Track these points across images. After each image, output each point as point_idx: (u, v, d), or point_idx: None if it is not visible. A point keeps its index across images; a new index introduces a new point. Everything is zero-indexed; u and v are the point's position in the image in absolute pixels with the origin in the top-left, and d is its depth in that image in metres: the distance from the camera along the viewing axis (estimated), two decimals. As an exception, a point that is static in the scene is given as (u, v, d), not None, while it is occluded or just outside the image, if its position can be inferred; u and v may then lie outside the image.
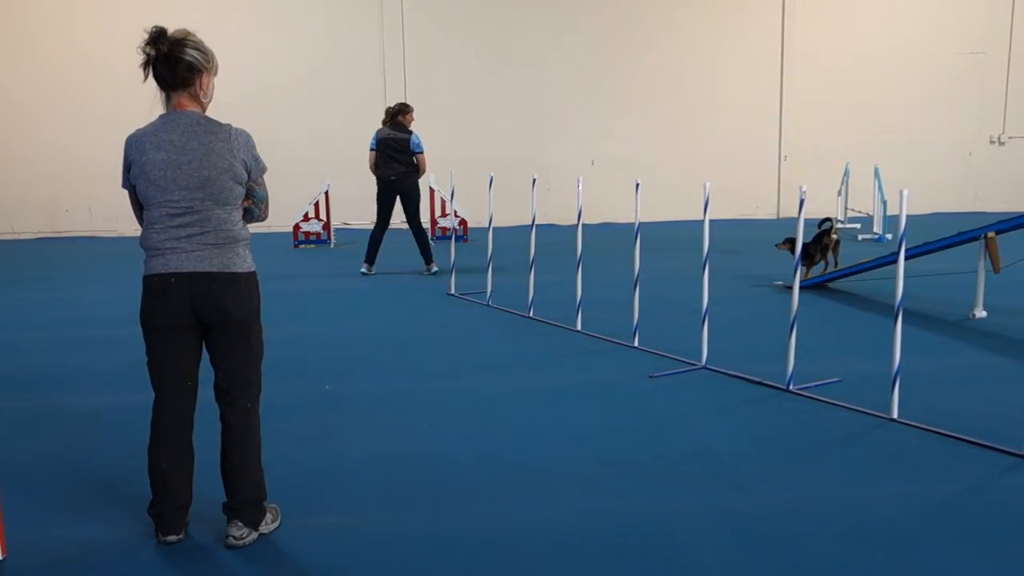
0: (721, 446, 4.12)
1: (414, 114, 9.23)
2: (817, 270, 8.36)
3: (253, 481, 3.18)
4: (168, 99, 3.05)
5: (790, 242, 8.20)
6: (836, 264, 8.33)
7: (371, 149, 9.08)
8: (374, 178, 9.14)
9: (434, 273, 9.19)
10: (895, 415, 4.37)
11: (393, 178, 9.01)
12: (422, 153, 9.01)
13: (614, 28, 14.81)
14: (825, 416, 4.51)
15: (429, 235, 10.55)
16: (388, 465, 3.95)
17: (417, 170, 9.06)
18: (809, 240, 8.15)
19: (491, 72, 14.67)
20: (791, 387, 4.89)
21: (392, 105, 9.27)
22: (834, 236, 8.29)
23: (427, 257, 9.28)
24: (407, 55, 14.46)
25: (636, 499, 3.54)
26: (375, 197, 9.22)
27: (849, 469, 3.81)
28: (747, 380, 5.13)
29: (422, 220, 9.37)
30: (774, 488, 3.63)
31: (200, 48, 3.01)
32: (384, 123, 9.15)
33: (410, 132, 9.02)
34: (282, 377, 4.94)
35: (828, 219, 8.36)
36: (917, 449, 4.02)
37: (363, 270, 9.35)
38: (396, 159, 8.96)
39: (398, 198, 9.14)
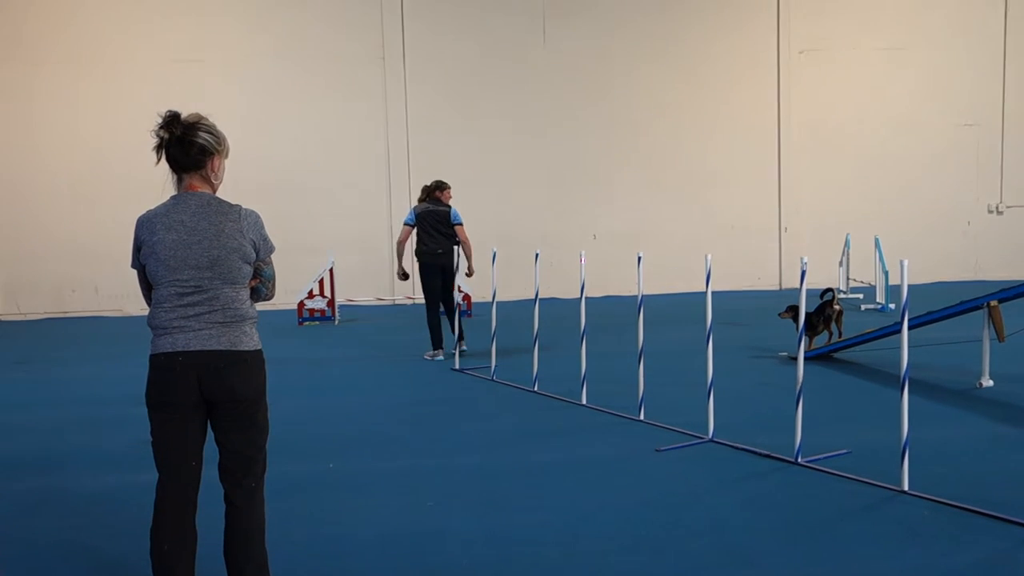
0: (730, 521, 4.07)
1: (451, 191, 9.18)
2: (820, 340, 8.37)
3: (257, 563, 3.13)
4: (180, 180, 3.11)
5: (793, 310, 8.26)
6: (840, 334, 8.34)
7: (405, 223, 8.99)
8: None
9: (464, 351, 8.84)
10: (905, 487, 4.33)
11: (440, 251, 8.84)
12: (461, 225, 8.89)
13: (613, 104, 15.14)
14: (835, 489, 4.46)
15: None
16: (394, 544, 3.90)
17: (457, 243, 8.94)
18: (812, 310, 8.21)
19: (493, 150, 14.95)
20: (799, 459, 4.85)
21: (429, 183, 9.15)
22: (836, 307, 8.34)
23: (460, 333, 8.92)
24: (410, 131, 14.76)
25: (646, 576, 3.48)
26: (418, 275, 8.95)
27: (861, 544, 3.76)
28: (755, 453, 5.09)
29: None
30: (785, 564, 3.57)
31: (212, 132, 3.09)
32: (420, 200, 9.10)
33: (448, 206, 8.98)
34: (286, 455, 4.91)
35: (830, 289, 8.42)
36: (929, 522, 3.97)
37: (438, 356, 8.85)
38: (440, 232, 8.84)
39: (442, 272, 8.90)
